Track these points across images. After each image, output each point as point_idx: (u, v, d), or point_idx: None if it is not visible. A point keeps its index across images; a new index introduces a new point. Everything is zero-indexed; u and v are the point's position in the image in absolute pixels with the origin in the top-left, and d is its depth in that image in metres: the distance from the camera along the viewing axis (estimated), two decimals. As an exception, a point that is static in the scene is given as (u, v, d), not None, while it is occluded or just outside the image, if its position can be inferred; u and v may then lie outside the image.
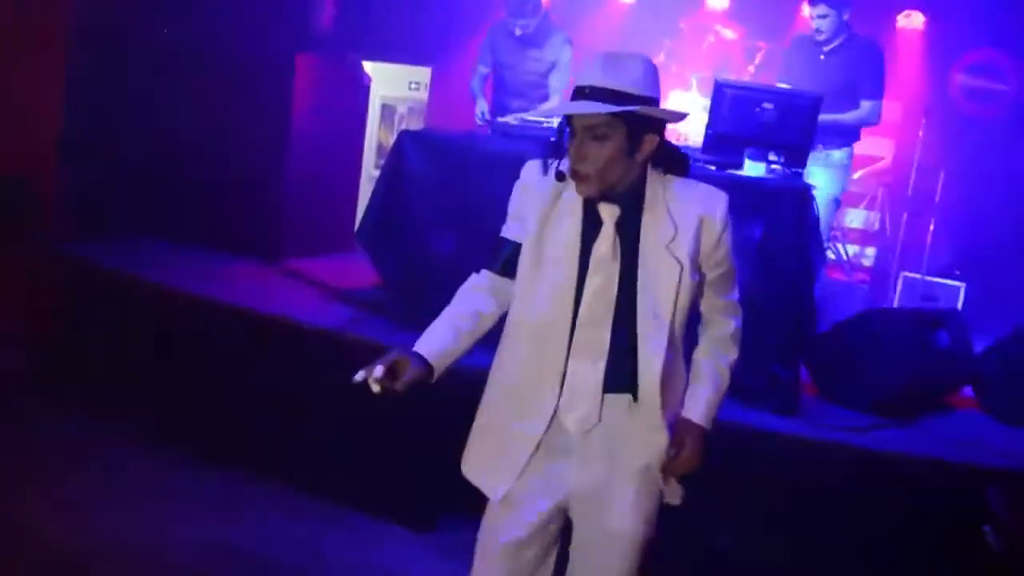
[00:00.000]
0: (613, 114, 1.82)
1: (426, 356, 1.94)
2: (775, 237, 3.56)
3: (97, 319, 4.55)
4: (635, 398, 1.97)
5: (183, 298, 4.13)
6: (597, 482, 1.99)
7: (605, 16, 6.86)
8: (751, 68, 5.66)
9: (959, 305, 5.34)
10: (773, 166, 3.85)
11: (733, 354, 2.11)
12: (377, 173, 5.03)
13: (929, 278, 5.55)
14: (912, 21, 6.40)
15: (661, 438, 1.98)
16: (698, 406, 2.04)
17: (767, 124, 3.87)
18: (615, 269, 1.93)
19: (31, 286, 4.63)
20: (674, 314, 1.94)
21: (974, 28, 5.94)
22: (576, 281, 1.93)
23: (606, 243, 1.92)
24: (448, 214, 4.09)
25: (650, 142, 1.89)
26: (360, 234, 4.33)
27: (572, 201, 1.96)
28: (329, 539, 3.42)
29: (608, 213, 1.93)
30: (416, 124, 5.87)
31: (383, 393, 1.84)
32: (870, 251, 6.37)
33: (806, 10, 5.12)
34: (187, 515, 3.44)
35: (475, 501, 3.66)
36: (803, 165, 3.95)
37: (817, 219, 3.79)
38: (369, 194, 4.53)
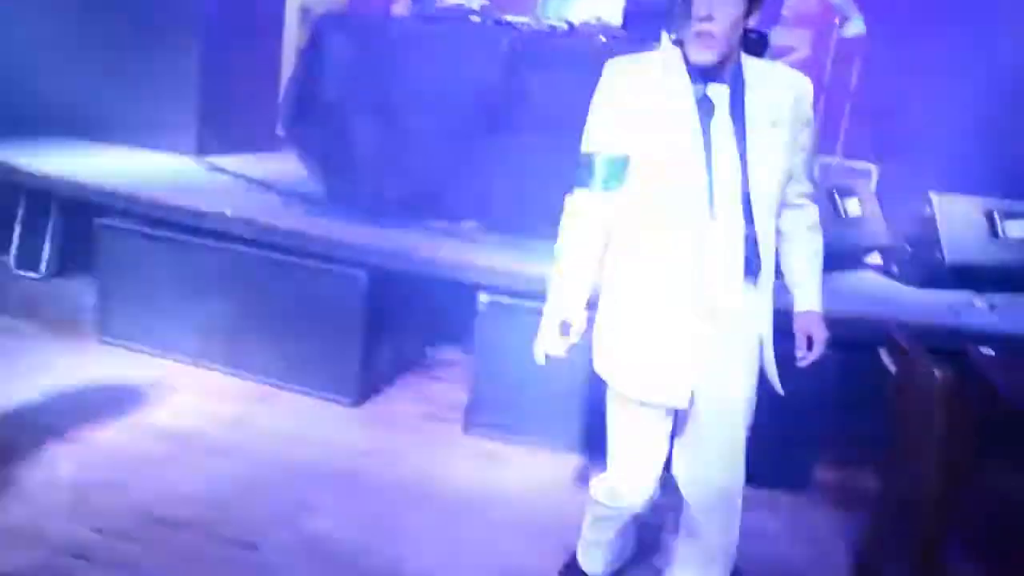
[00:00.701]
0: None
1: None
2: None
3: (12, 217, 4.47)
4: (755, 277, 2.01)
5: (99, 191, 4.05)
6: (719, 358, 2.05)
7: None
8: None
9: (872, 187, 5.51)
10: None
11: (821, 237, 2.21)
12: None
13: (844, 161, 5.71)
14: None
15: (769, 314, 2.07)
16: (812, 297, 2.15)
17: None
18: (733, 152, 1.93)
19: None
20: (780, 195, 2.01)
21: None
22: (705, 167, 1.92)
23: (723, 126, 1.92)
24: (369, 97, 4.04)
25: (758, 7, 1.91)
26: (282, 119, 4.27)
27: (678, 86, 1.93)
28: (257, 414, 3.45)
29: (719, 94, 1.93)
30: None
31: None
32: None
33: None
34: (113, 398, 3.43)
35: (395, 376, 3.70)
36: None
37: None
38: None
